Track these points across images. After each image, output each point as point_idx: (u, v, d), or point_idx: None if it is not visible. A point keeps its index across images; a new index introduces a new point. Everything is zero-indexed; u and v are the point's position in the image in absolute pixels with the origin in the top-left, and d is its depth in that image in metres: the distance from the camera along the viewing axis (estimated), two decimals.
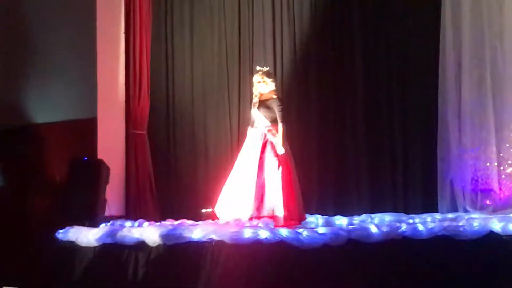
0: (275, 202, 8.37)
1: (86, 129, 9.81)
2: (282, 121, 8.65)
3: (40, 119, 10.36)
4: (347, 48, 11.20)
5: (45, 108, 10.31)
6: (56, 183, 10.00)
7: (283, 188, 8.42)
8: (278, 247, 6.76)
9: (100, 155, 9.56)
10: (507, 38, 10.09)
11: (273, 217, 8.25)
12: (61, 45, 10.20)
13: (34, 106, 10.41)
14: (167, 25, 11.43)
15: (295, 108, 10.92)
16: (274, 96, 8.85)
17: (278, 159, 8.53)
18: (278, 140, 8.58)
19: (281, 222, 8.21)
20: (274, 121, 8.73)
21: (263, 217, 8.20)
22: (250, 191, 8.45)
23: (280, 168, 8.49)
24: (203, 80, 11.44)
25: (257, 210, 8.35)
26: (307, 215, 9.05)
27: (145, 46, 10.56)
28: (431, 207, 10.22)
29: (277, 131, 8.65)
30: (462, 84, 10.27)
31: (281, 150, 8.55)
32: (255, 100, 8.85)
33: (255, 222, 7.85)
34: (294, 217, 8.55)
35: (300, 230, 7.03)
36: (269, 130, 8.66)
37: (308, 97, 11.16)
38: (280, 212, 8.31)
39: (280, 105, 8.71)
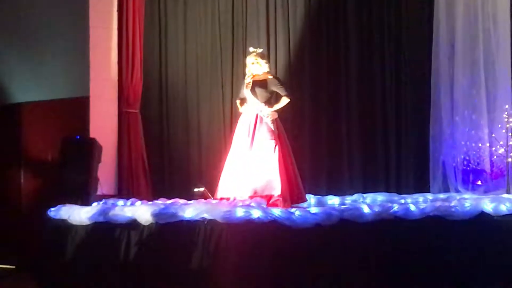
0: (273, 183, 8.40)
1: (79, 107, 9.79)
2: (286, 95, 8.73)
3: (33, 98, 10.33)
4: (341, 29, 11.18)
5: (38, 86, 10.28)
6: (49, 161, 9.99)
7: (280, 169, 8.45)
8: (270, 226, 6.77)
9: (92, 134, 9.55)
10: (500, 19, 10.10)
11: (270, 197, 8.30)
12: (53, 24, 10.15)
13: (26, 85, 10.38)
14: (160, 3, 11.36)
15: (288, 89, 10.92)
16: (271, 77, 8.87)
17: (275, 141, 8.56)
18: (272, 109, 8.68)
19: (280, 203, 8.23)
20: (267, 101, 8.76)
21: (260, 196, 8.24)
22: (248, 173, 8.48)
23: (277, 149, 8.52)
24: (196, 59, 11.40)
25: (255, 191, 8.39)
26: None
27: (138, 24, 10.49)
28: (423, 188, 10.26)
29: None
30: (455, 65, 10.30)
31: (268, 111, 8.66)
32: (248, 80, 8.85)
33: (248, 201, 7.86)
34: (294, 198, 8.60)
35: (292, 209, 7.05)
36: (267, 116, 8.70)
37: (301, 77, 11.14)
38: (277, 192, 8.35)
39: (280, 83, 8.81)
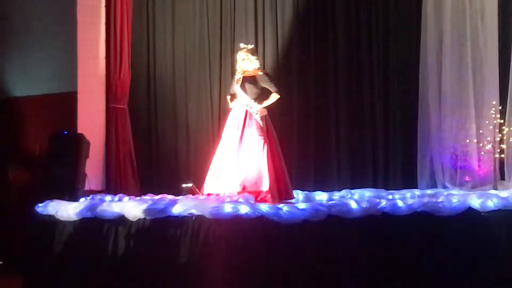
0: (261, 179, 8.39)
1: (66, 103, 9.76)
2: (276, 91, 8.73)
3: (20, 93, 10.29)
4: (329, 26, 11.19)
5: (25, 81, 10.23)
6: (36, 157, 9.95)
7: (269, 165, 8.45)
8: (258, 222, 6.77)
9: (80, 129, 9.52)
10: (488, 16, 10.13)
11: (258, 193, 8.29)
12: (41, 18, 10.11)
13: (14, 80, 10.33)
14: None
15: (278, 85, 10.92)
16: (260, 73, 8.86)
17: (263, 137, 8.55)
18: (261, 105, 8.67)
19: (268, 199, 8.23)
20: (257, 98, 8.76)
21: (249, 192, 8.24)
22: (236, 169, 8.47)
23: (266, 146, 8.51)
24: (184, 55, 11.39)
25: (243, 187, 8.38)
26: None
27: (126, 19, 10.47)
28: (410, 183, 10.29)
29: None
30: (443, 62, 10.33)
31: (257, 107, 8.67)
32: (238, 76, 8.85)
33: (236, 197, 7.86)
34: (281, 195, 8.60)
35: (280, 205, 7.05)
36: (256, 113, 8.69)
37: (289, 73, 11.15)
38: (265, 188, 8.35)
39: (270, 80, 8.81)
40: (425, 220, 6.98)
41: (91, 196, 8.65)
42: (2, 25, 10.43)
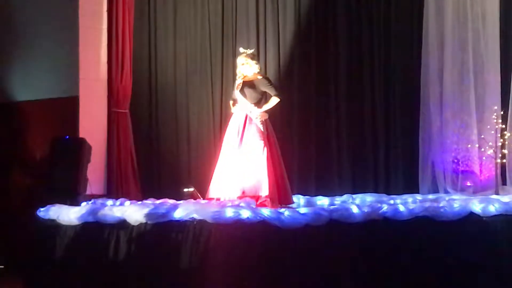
0: (261, 184, 8.37)
1: (68, 107, 9.77)
2: (276, 95, 8.70)
3: (22, 97, 10.30)
4: (330, 29, 11.20)
5: (27, 86, 10.25)
6: (38, 161, 9.96)
7: (269, 170, 8.42)
8: (260, 227, 6.76)
9: (81, 134, 9.52)
10: (489, 20, 10.14)
11: (258, 197, 8.28)
12: (43, 23, 10.12)
13: (16, 84, 10.34)
14: (150, 3, 11.34)
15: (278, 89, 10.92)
16: (260, 77, 8.83)
17: (263, 142, 8.54)
18: (261, 109, 8.65)
19: (268, 203, 8.22)
20: (258, 102, 8.74)
21: (248, 196, 8.22)
22: (236, 173, 8.46)
23: (266, 150, 8.50)
24: (185, 60, 11.39)
25: (243, 192, 8.36)
26: None
27: (127, 24, 10.48)
28: (412, 188, 10.28)
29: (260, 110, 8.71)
30: (445, 66, 10.34)
31: (257, 112, 8.64)
32: (239, 81, 8.84)
33: (237, 201, 7.85)
34: (281, 199, 8.57)
35: (282, 210, 7.05)
36: (256, 117, 8.67)
37: (290, 77, 11.15)
38: (264, 193, 8.32)
39: (269, 83, 8.78)
40: (426, 225, 6.97)
41: (92, 201, 8.63)
42: (4, 30, 10.44)
